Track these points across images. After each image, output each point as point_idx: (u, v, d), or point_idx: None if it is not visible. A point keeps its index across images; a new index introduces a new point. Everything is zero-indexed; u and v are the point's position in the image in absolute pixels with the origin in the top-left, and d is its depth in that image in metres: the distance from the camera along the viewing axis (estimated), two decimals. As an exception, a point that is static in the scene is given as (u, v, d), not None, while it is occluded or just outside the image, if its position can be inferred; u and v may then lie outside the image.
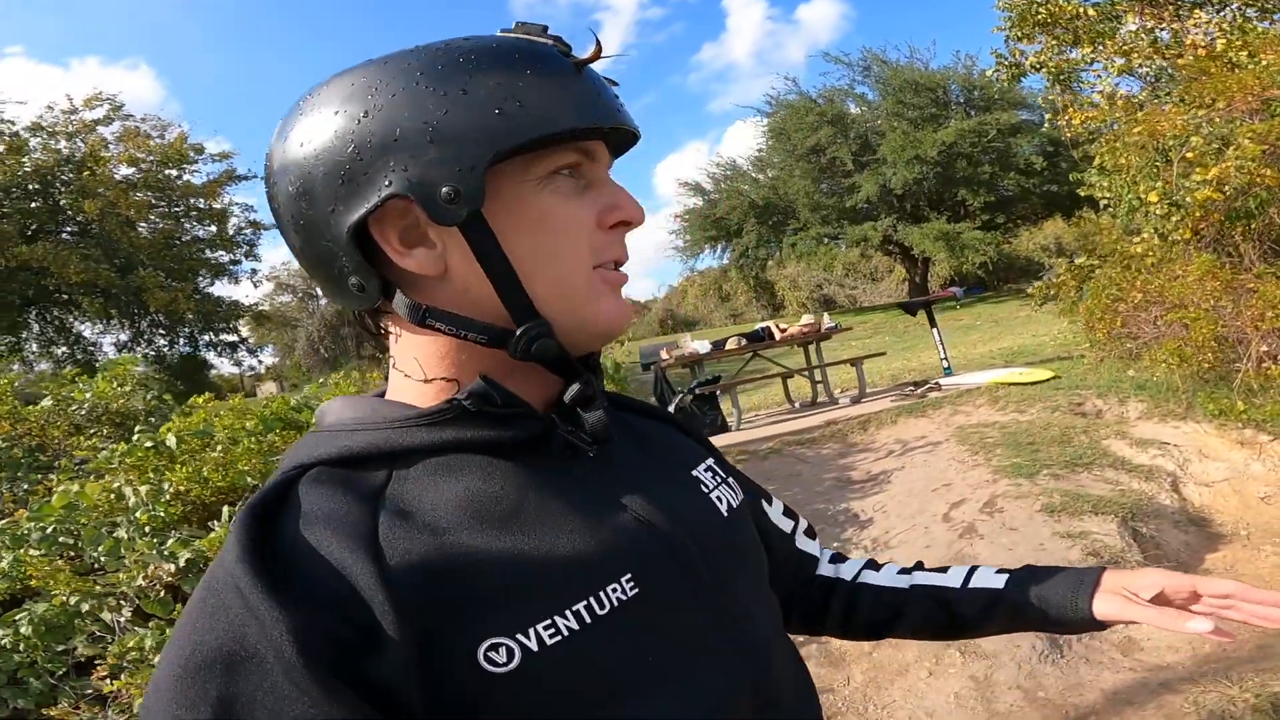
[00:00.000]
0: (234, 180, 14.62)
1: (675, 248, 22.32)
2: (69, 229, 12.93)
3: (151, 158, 13.28)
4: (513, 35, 0.50)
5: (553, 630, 0.43)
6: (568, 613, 0.44)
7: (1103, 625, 0.64)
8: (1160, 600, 0.62)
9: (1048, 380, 5.71)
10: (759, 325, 7.82)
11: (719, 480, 0.61)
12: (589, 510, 0.49)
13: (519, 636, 0.42)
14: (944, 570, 0.73)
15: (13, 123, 12.36)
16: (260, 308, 18.13)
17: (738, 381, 7.20)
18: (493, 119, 0.46)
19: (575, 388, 0.51)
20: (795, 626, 0.73)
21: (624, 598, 0.46)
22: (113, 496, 3.26)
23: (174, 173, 13.80)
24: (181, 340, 15.81)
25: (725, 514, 0.57)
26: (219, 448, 3.68)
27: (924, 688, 2.34)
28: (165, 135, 13.63)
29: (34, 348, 13.99)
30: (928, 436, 4.94)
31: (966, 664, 2.40)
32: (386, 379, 0.55)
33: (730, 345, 7.36)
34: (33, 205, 12.40)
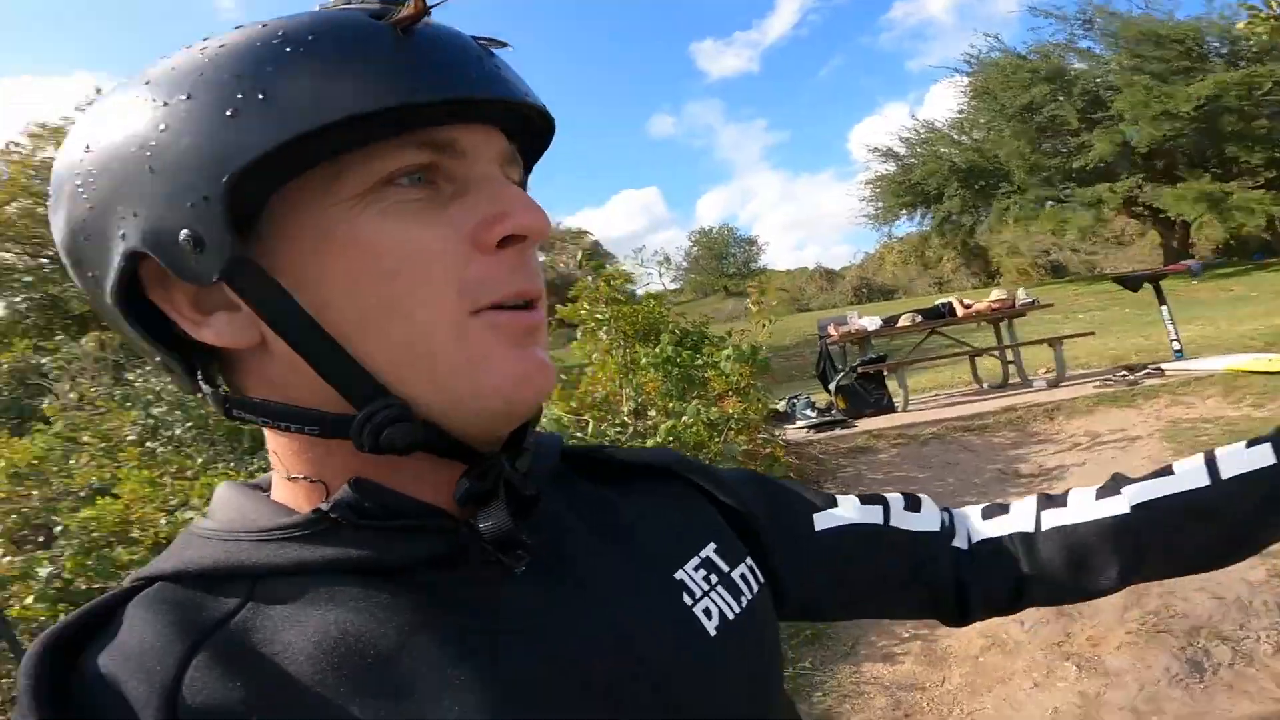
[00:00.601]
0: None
1: (866, 215, 21.18)
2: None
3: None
4: (320, 10, 0.37)
5: None
6: None
7: None
8: None
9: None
10: (940, 300, 7.29)
11: (716, 579, 0.46)
12: (501, 657, 0.36)
13: None
14: (1166, 472, 0.55)
15: None
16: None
17: (909, 361, 6.80)
18: (222, 126, 0.33)
19: (464, 485, 0.38)
20: (958, 620, 0.58)
21: None
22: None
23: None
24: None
25: (714, 633, 0.43)
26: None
27: (1022, 698, 2.21)
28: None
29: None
30: (1126, 430, 4.38)
31: (1080, 679, 2.23)
32: None
33: (904, 322, 6.96)
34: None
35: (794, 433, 6.02)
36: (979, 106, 19.27)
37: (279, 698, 0.32)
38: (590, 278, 5.01)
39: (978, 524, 0.59)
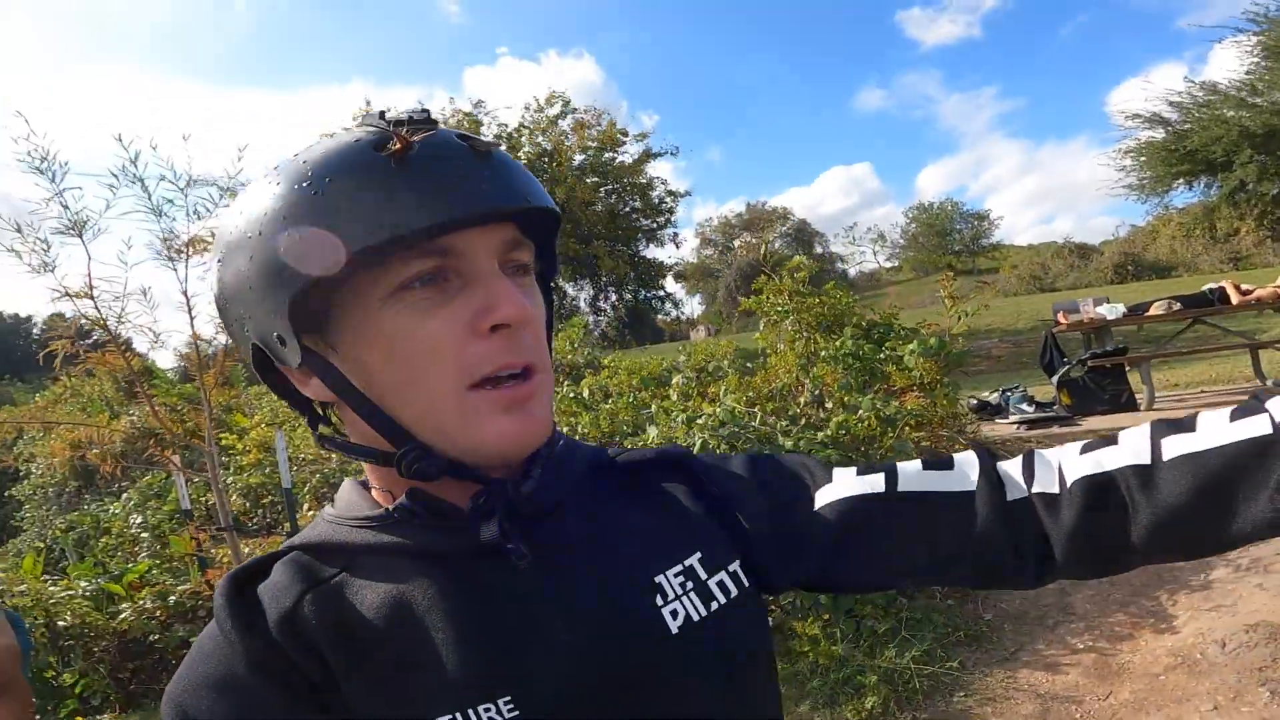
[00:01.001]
0: (651, 157, 17.20)
1: (1127, 186, 18.04)
2: (552, 211, 16.87)
3: (594, 144, 16.40)
4: (353, 134, 0.47)
5: None
6: None
7: None
8: None
9: None
10: (1209, 286, 6.13)
11: (692, 585, 0.52)
12: (493, 625, 0.47)
13: None
14: (1188, 425, 0.48)
15: (505, 124, 16.64)
16: (678, 267, 21.05)
17: (1155, 354, 5.85)
18: (279, 261, 0.44)
19: (472, 505, 0.49)
20: (1032, 579, 0.53)
21: (498, 718, 0.45)
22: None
23: (610, 155, 16.81)
24: (627, 294, 19.52)
25: (675, 631, 0.50)
26: (610, 400, 4.79)
27: (1193, 719, 1.96)
28: (600, 123, 16.65)
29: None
30: None
31: (1270, 706, 1.95)
32: None
33: (1156, 310, 5.99)
34: (530, 192, 16.58)
35: (1003, 427, 5.53)
36: (1273, 67, 15.40)
37: (352, 630, 0.47)
38: (767, 273, 5.10)
39: (1071, 462, 0.51)
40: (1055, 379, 5.86)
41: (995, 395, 6.26)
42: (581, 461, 0.57)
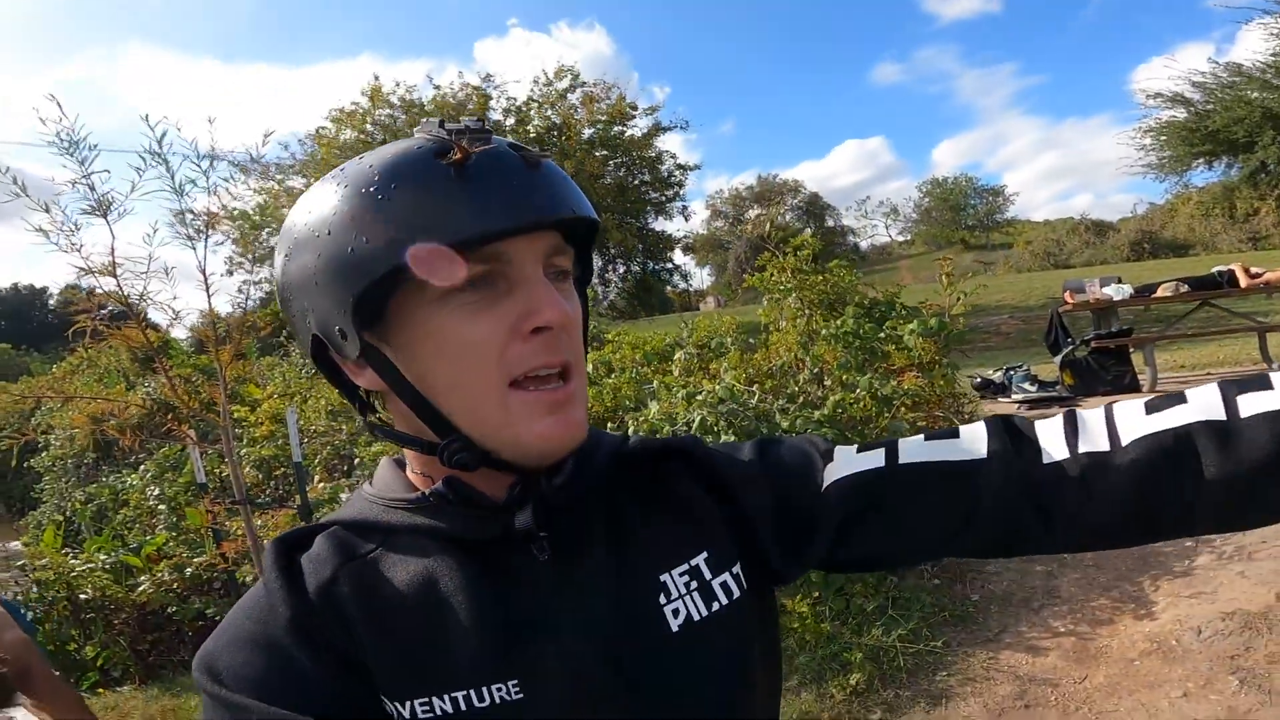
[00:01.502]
0: (660, 131, 17.05)
1: (1146, 165, 17.76)
2: (560, 184, 16.72)
3: (603, 118, 16.25)
4: (414, 141, 0.49)
5: (427, 708, 0.48)
6: (445, 697, 0.48)
7: None
8: None
9: None
10: (1218, 268, 6.08)
11: (696, 585, 0.54)
12: (508, 613, 0.50)
13: (396, 704, 0.48)
14: (1264, 382, 0.47)
15: (514, 98, 16.51)
16: (686, 240, 20.95)
17: (1159, 335, 5.84)
18: (346, 260, 0.47)
19: (516, 489, 0.52)
20: (1059, 543, 0.53)
21: (506, 699, 0.48)
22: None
23: (620, 129, 16.64)
24: (635, 266, 19.48)
25: (676, 629, 0.53)
26: (613, 375, 4.85)
27: (1164, 706, 2.05)
28: (609, 96, 16.48)
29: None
30: None
31: (1238, 694, 2.01)
32: None
33: (1163, 292, 5.96)
34: (533, 167, 16.47)
35: (1004, 406, 5.56)
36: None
37: (382, 603, 0.51)
38: (771, 251, 5.10)
39: (1132, 419, 0.49)
40: (1059, 359, 5.86)
41: (999, 373, 6.28)
42: (604, 454, 0.59)
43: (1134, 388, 5.45)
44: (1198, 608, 2.44)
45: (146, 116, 2.44)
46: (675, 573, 0.54)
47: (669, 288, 20.94)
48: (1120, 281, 6.14)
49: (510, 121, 16.26)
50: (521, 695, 0.48)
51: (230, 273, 14.64)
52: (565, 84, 16.43)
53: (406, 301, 0.49)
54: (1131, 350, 5.67)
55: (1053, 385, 5.86)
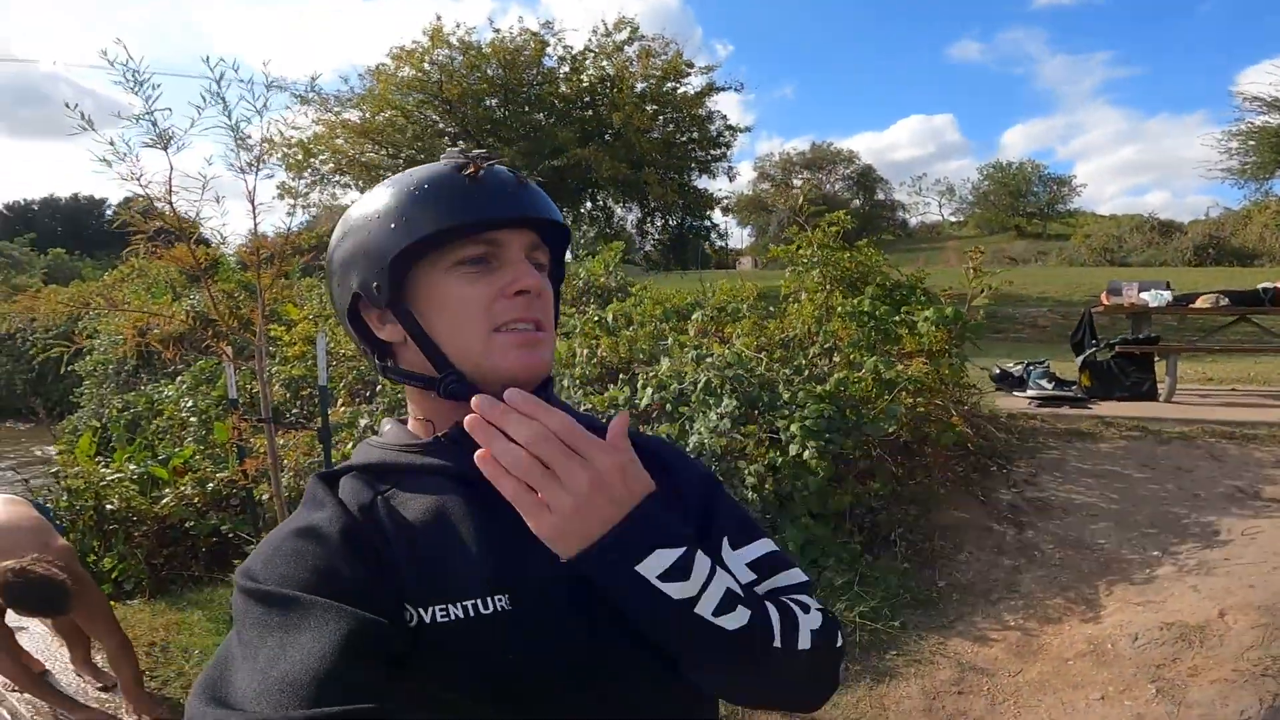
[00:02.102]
0: (713, 91, 16.65)
1: (1227, 169, 16.80)
2: (606, 135, 16.65)
3: (657, 74, 15.96)
4: (443, 162, 0.67)
5: (445, 613, 0.58)
6: (459, 604, 0.58)
7: None
8: None
9: None
10: (1263, 285, 5.89)
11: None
12: (507, 540, 0.60)
13: (419, 609, 0.58)
14: None
15: (571, 47, 16.29)
16: (727, 200, 20.64)
17: (1188, 347, 5.73)
18: (388, 234, 0.64)
19: None
20: None
21: (505, 608, 0.59)
22: (566, 353, 4.72)
23: (673, 85, 16.33)
24: (673, 221, 19.33)
25: None
26: (632, 328, 4.95)
27: (1081, 707, 2.16)
28: (666, 52, 16.13)
29: (585, 223, 19.01)
30: None
31: (1152, 703, 2.12)
32: None
33: (1202, 303, 5.81)
34: (587, 114, 16.42)
35: (1015, 400, 5.54)
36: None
37: (408, 525, 0.62)
38: (801, 225, 5.09)
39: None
40: (1080, 359, 5.79)
41: (1018, 367, 6.22)
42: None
43: (1151, 395, 5.39)
44: (1142, 615, 2.51)
45: (207, 59, 2.56)
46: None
47: (706, 243, 20.73)
48: (1169, 288, 5.99)
49: (565, 69, 16.05)
50: (510, 607, 0.59)
51: (281, 197, 14.93)
52: (624, 35, 16.14)
53: (423, 270, 0.65)
54: (1156, 358, 5.58)
55: (1070, 385, 5.80)
